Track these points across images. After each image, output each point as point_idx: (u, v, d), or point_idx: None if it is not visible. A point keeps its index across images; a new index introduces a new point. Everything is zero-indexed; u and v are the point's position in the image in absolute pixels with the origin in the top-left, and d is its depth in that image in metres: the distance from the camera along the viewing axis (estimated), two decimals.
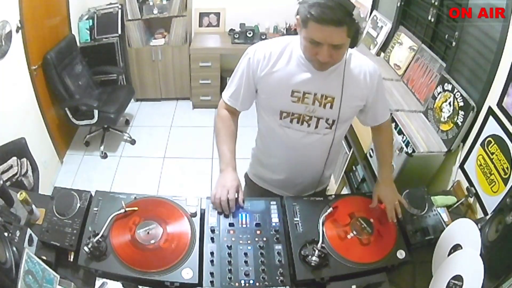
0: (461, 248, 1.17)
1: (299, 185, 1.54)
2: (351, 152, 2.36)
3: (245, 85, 1.34)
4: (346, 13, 1.05)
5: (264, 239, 1.24)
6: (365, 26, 1.10)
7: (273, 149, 1.46)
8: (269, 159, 1.52)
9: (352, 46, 1.16)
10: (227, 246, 1.21)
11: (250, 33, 3.66)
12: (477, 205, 1.59)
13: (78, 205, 1.30)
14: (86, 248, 1.13)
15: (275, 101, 1.32)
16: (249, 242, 1.23)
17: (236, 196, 1.30)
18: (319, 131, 1.34)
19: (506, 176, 1.44)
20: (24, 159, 2.13)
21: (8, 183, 1.86)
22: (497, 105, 1.53)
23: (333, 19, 1.05)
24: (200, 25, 3.98)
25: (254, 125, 1.52)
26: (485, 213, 1.52)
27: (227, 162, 1.35)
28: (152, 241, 1.20)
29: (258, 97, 1.38)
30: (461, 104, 1.75)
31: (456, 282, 1.08)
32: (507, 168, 1.44)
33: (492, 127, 1.56)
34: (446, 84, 1.89)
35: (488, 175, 1.54)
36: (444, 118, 1.86)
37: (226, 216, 1.29)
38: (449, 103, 1.84)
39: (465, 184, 1.67)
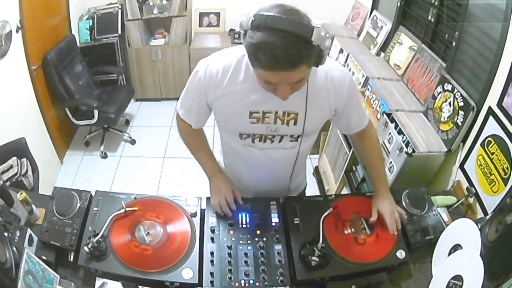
0: (461, 248, 1.17)
1: (270, 193, 1.41)
2: (351, 152, 2.36)
3: (197, 105, 1.21)
4: (304, 45, 0.86)
5: (264, 239, 1.24)
6: (329, 45, 0.91)
7: (237, 167, 1.39)
8: (235, 176, 1.42)
9: (317, 66, 0.97)
10: (227, 246, 1.21)
11: None
12: (477, 205, 1.59)
13: (78, 205, 1.30)
14: (86, 248, 1.13)
15: (233, 123, 1.20)
16: (249, 242, 1.23)
17: (235, 196, 1.32)
18: (284, 145, 1.24)
19: (506, 176, 1.44)
20: (24, 159, 2.13)
21: (8, 183, 1.86)
22: (497, 105, 1.53)
23: (287, 64, 0.87)
24: (200, 25, 3.98)
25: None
26: (485, 213, 1.52)
27: (212, 168, 1.34)
28: (152, 241, 1.20)
29: (215, 116, 1.25)
30: (461, 104, 1.75)
31: (456, 282, 1.08)
32: (507, 168, 1.44)
33: (492, 127, 1.56)
34: (446, 84, 1.89)
35: (488, 175, 1.54)
36: (444, 118, 1.86)
37: (227, 218, 1.29)
38: (449, 103, 1.84)
39: (465, 184, 1.67)
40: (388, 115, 1.98)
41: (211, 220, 1.28)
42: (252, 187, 1.44)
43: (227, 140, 1.30)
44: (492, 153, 1.53)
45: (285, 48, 0.85)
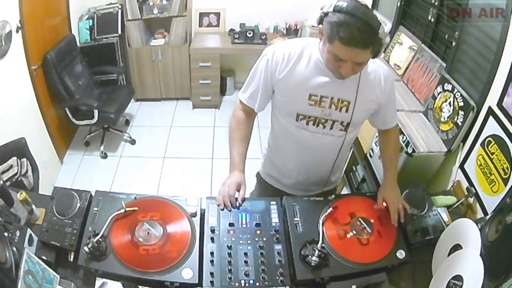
0: (461, 248, 1.17)
1: (308, 185, 1.55)
2: (351, 152, 2.36)
3: (263, 87, 1.34)
4: (373, 33, 1.05)
5: (264, 239, 1.24)
6: (388, 42, 1.09)
7: (286, 149, 1.47)
8: (281, 159, 1.53)
9: (373, 57, 1.16)
10: (227, 246, 1.21)
11: (250, 33, 3.65)
12: (477, 205, 1.59)
13: (78, 205, 1.30)
14: (86, 248, 1.13)
15: (293, 103, 1.32)
16: (249, 242, 1.23)
17: (237, 194, 1.33)
18: (334, 133, 1.35)
19: (506, 176, 1.44)
20: (24, 159, 2.12)
21: (8, 183, 1.85)
22: (497, 105, 1.53)
23: (360, 42, 1.05)
24: (200, 25, 3.98)
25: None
26: (485, 213, 1.52)
27: (235, 165, 1.38)
28: (152, 241, 1.20)
29: (274, 99, 1.38)
30: (461, 104, 1.75)
31: (456, 282, 1.08)
32: (507, 168, 1.44)
33: (492, 127, 1.56)
34: (446, 84, 1.89)
35: (488, 175, 1.54)
36: (444, 118, 1.86)
37: (227, 218, 1.29)
38: (449, 103, 1.84)
39: (465, 184, 1.67)
40: None
41: (211, 220, 1.28)
42: (296, 172, 1.50)
43: (282, 122, 1.40)
44: (492, 153, 1.53)
45: (360, 31, 1.03)
